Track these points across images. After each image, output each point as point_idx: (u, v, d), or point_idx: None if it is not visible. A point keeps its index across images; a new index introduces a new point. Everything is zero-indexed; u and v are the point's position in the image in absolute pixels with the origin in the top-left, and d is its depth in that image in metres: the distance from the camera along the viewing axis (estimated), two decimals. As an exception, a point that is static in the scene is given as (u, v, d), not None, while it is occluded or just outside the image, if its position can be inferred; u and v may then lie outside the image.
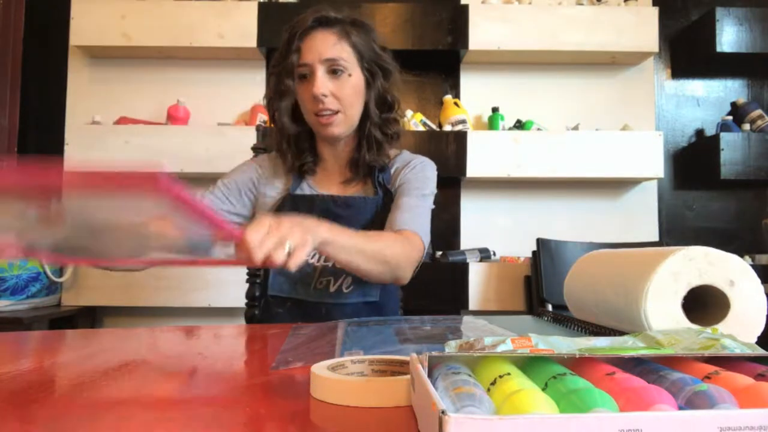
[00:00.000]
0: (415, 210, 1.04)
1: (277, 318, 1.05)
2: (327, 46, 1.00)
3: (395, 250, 0.93)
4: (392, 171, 1.12)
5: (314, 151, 1.12)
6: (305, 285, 1.04)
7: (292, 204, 1.06)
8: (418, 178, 1.09)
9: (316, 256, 1.04)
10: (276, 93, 1.06)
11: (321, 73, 1.00)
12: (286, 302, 1.05)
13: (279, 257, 0.68)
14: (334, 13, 1.03)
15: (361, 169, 1.09)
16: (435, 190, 1.13)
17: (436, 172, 1.15)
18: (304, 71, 1.01)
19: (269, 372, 0.54)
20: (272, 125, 1.13)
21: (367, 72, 1.05)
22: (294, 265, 0.69)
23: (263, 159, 1.17)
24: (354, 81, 1.03)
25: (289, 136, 1.08)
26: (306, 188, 1.10)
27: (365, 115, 1.07)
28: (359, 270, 0.90)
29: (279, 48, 1.05)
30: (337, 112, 1.02)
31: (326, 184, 1.12)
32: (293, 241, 0.69)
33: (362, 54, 1.04)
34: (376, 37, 1.07)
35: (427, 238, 1.03)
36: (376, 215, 1.06)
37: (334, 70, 1.01)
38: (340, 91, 1.01)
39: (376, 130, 1.07)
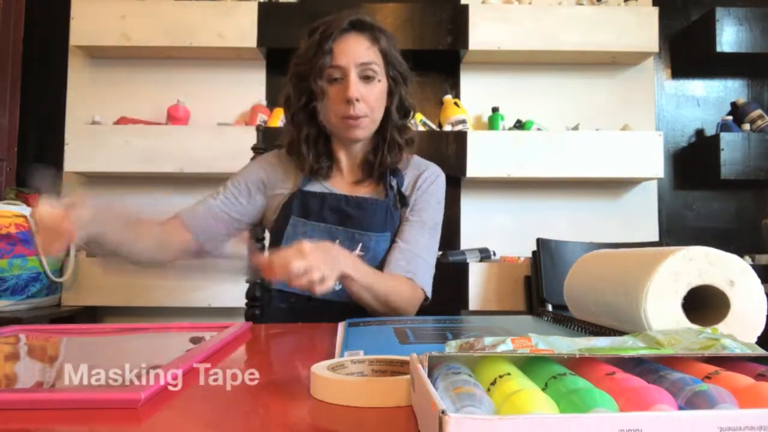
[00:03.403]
0: (426, 253, 1.07)
1: (278, 313, 1.05)
2: (361, 50, 1.01)
3: (401, 298, 0.98)
4: (406, 175, 1.12)
5: (329, 153, 1.11)
6: None
7: (301, 200, 1.05)
8: (431, 203, 1.10)
9: None
10: (299, 92, 1.05)
11: (354, 76, 1.00)
12: (290, 297, 1.04)
13: (309, 285, 0.76)
14: (369, 18, 1.04)
15: (374, 171, 1.09)
16: (443, 207, 1.14)
17: (445, 184, 1.15)
18: (336, 74, 1.01)
19: (272, 372, 0.54)
20: (290, 124, 1.11)
21: (391, 79, 1.06)
22: (321, 292, 0.77)
23: (270, 157, 1.16)
24: (381, 87, 1.04)
25: (308, 137, 1.07)
26: (317, 185, 1.10)
27: (386, 119, 1.08)
28: (365, 305, 0.95)
29: (305, 47, 1.04)
30: (364, 117, 1.02)
31: (337, 182, 1.11)
32: (323, 272, 0.76)
33: (389, 61, 1.05)
34: (396, 45, 1.09)
35: (429, 284, 1.08)
36: (386, 217, 1.06)
37: (366, 76, 1.02)
38: (369, 96, 1.02)
39: (397, 134, 1.09)
